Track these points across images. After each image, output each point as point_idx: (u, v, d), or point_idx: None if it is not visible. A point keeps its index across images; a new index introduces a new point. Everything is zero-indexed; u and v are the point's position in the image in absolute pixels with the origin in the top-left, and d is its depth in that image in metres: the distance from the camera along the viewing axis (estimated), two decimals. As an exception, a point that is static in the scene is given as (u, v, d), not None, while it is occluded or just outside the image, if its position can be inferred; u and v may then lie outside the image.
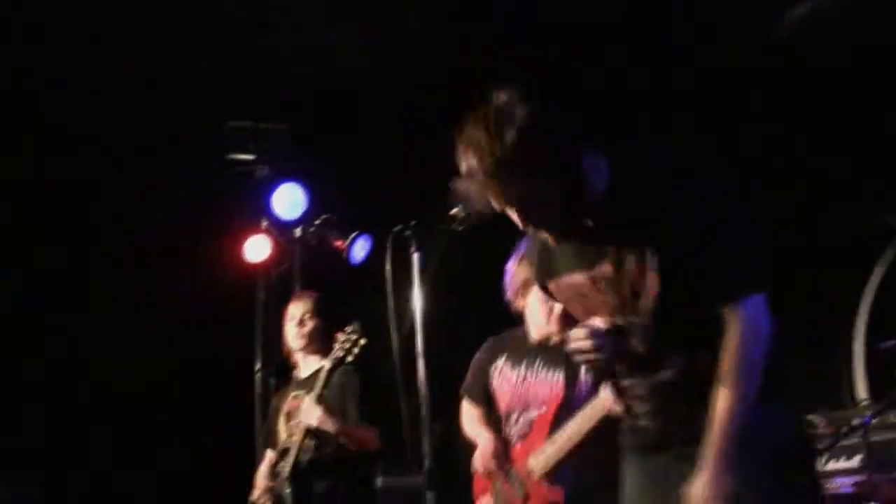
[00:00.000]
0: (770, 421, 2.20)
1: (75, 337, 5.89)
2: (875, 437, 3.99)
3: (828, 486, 4.16)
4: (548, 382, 3.45)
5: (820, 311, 5.52)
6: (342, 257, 5.24)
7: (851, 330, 5.67)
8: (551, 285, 2.46)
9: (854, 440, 4.02)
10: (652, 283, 2.20)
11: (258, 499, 4.42)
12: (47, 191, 5.65)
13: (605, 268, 2.26)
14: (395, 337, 2.84)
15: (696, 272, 2.16)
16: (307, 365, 4.51)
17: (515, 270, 3.49)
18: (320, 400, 4.23)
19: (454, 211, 3.08)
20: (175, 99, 5.39)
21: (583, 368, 3.31)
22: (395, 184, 5.46)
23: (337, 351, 4.22)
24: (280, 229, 5.59)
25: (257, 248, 5.58)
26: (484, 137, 2.12)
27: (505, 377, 3.60)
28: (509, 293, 3.53)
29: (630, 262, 2.21)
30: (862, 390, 5.47)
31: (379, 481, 4.48)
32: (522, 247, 3.35)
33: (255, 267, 5.59)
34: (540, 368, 3.50)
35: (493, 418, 3.64)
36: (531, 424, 3.42)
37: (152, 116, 5.44)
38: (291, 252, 5.64)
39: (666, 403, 2.31)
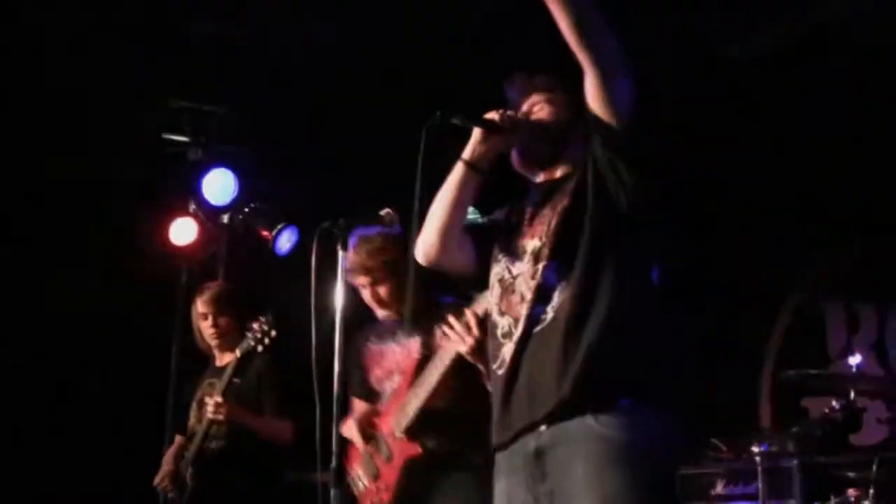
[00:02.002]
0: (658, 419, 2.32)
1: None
2: (770, 465, 4.12)
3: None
4: (406, 348, 3.50)
5: (735, 340, 5.66)
6: (268, 247, 5.24)
7: (762, 359, 5.82)
8: None
9: (752, 466, 4.14)
10: None
11: (159, 482, 4.40)
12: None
13: None
14: (314, 334, 2.86)
15: None
16: (223, 357, 4.49)
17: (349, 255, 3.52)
18: (227, 392, 4.21)
19: (382, 212, 3.15)
20: (118, 73, 5.30)
21: (437, 330, 3.31)
22: (329, 180, 5.46)
23: (248, 340, 4.20)
24: (208, 214, 5.56)
25: (183, 232, 5.55)
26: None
27: (372, 354, 3.66)
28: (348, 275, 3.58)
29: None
30: (766, 418, 5.62)
31: (288, 474, 4.46)
32: (356, 235, 3.42)
33: (180, 250, 5.56)
34: (399, 339, 3.56)
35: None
36: (395, 391, 3.48)
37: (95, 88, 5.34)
38: (218, 238, 5.61)
39: None
